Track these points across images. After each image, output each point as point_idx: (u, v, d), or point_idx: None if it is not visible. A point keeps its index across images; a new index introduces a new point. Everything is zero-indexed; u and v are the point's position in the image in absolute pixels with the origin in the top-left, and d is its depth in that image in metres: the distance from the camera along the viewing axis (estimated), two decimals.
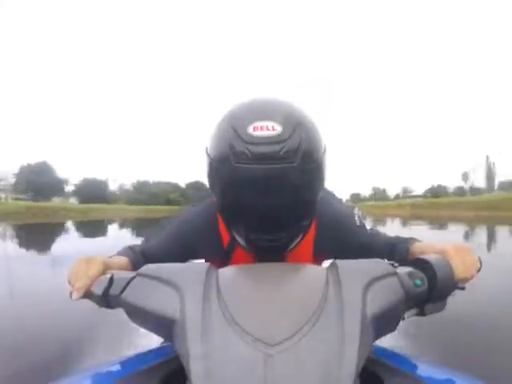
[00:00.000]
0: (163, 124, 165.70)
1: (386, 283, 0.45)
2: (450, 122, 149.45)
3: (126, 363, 0.55)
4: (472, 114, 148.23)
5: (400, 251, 0.68)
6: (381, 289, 0.43)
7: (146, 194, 62.24)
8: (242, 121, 0.49)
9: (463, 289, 0.52)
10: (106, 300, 0.49)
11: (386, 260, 0.50)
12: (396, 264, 0.49)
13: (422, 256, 0.51)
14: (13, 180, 53.04)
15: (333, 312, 0.40)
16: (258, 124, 0.47)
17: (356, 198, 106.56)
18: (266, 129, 0.47)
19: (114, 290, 0.48)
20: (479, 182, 76.81)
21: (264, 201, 0.49)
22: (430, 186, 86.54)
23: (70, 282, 0.51)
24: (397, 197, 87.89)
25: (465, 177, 77.92)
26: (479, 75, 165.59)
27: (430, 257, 0.50)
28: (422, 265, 0.49)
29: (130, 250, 0.69)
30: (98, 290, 0.49)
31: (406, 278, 0.47)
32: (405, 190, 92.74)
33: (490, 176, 74.11)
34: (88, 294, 0.50)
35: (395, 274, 0.47)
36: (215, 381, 0.34)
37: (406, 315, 0.48)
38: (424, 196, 78.20)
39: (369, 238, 0.73)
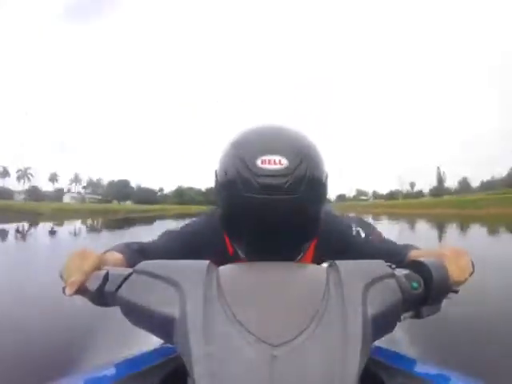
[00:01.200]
0: (169, 128, 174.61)
1: (385, 284, 0.45)
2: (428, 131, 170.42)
3: (126, 364, 0.54)
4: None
5: (399, 258, 0.68)
6: (380, 289, 0.44)
7: (186, 197, 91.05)
8: (252, 153, 0.52)
9: (457, 292, 0.53)
10: (101, 297, 0.47)
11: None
12: (393, 266, 0.50)
13: (418, 259, 0.52)
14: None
15: (335, 312, 0.40)
16: (266, 157, 0.51)
17: (342, 198, 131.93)
18: (274, 162, 0.50)
19: (109, 287, 0.46)
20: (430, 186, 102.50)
21: (267, 227, 0.52)
22: (389, 191, 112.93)
23: (62, 277, 0.50)
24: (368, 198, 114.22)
25: (412, 185, 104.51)
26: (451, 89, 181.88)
27: (427, 260, 0.50)
28: (418, 267, 0.50)
29: (125, 247, 0.66)
30: (92, 285, 0.47)
31: (403, 280, 0.48)
32: (374, 193, 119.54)
33: (440, 182, 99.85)
34: (82, 290, 0.48)
35: (393, 275, 0.47)
36: (220, 381, 0.34)
37: (402, 317, 0.49)
38: (384, 198, 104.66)
39: (365, 246, 0.76)
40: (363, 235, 0.77)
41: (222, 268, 0.47)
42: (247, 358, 0.35)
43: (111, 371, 0.52)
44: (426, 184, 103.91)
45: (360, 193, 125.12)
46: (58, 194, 75.87)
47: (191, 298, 0.40)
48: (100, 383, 0.49)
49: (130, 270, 0.47)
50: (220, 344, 0.36)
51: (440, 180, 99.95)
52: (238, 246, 0.62)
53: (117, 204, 69.87)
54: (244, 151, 0.53)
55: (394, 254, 0.70)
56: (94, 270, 0.49)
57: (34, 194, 66.49)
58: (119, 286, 0.46)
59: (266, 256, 0.54)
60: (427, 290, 0.48)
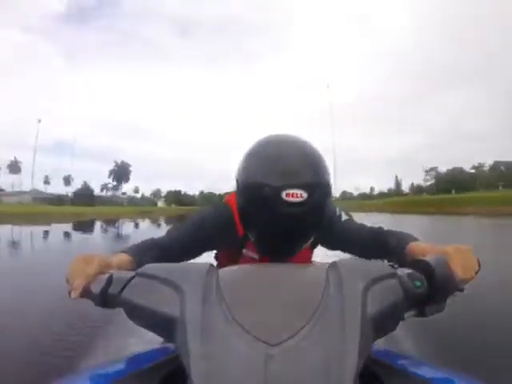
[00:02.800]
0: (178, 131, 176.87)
1: (386, 284, 0.45)
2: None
3: (126, 363, 0.55)
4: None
5: (394, 247, 0.72)
6: (381, 289, 0.44)
7: (212, 200, 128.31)
8: (278, 184, 0.59)
9: (462, 290, 0.53)
10: (105, 299, 0.48)
11: (378, 255, 0.58)
12: (395, 265, 0.51)
13: (421, 257, 0.53)
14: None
15: (333, 312, 0.40)
16: (290, 191, 0.59)
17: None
18: (296, 196, 0.59)
19: (112, 290, 0.48)
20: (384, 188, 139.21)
21: (282, 236, 0.64)
22: (361, 192, 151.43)
23: (67, 281, 0.51)
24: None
25: (372, 189, 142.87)
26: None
27: (430, 258, 0.51)
28: (421, 266, 0.50)
29: (135, 248, 0.69)
30: (96, 288, 0.49)
31: (405, 279, 0.48)
32: (350, 194, 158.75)
33: (398, 187, 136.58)
34: (86, 293, 0.49)
35: (395, 275, 0.47)
36: (216, 381, 0.34)
37: (405, 316, 0.49)
38: (356, 198, 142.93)
39: (349, 227, 0.86)
40: (344, 217, 0.88)
41: (222, 270, 0.48)
42: (243, 357, 0.35)
43: (112, 370, 0.53)
44: (389, 186, 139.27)
45: (343, 194, 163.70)
46: (150, 200, 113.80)
47: (190, 299, 0.41)
48: (101, 382, 0.50)
49: (132, 273, 0.49)
50: (217, 344, 0.37)
51: (397, 185, 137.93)
52: (251, 235, 0.71)
53: (173, 206, 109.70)
54: (271, 181, 0.60)
55: (390, 242, 0.76)
56: (98, 273, 0.51)
57: (133, 201, 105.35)
58: (122, 289, 0.47)
59: (276, 252, 0.68)
60: (430, 288, 0.48)
